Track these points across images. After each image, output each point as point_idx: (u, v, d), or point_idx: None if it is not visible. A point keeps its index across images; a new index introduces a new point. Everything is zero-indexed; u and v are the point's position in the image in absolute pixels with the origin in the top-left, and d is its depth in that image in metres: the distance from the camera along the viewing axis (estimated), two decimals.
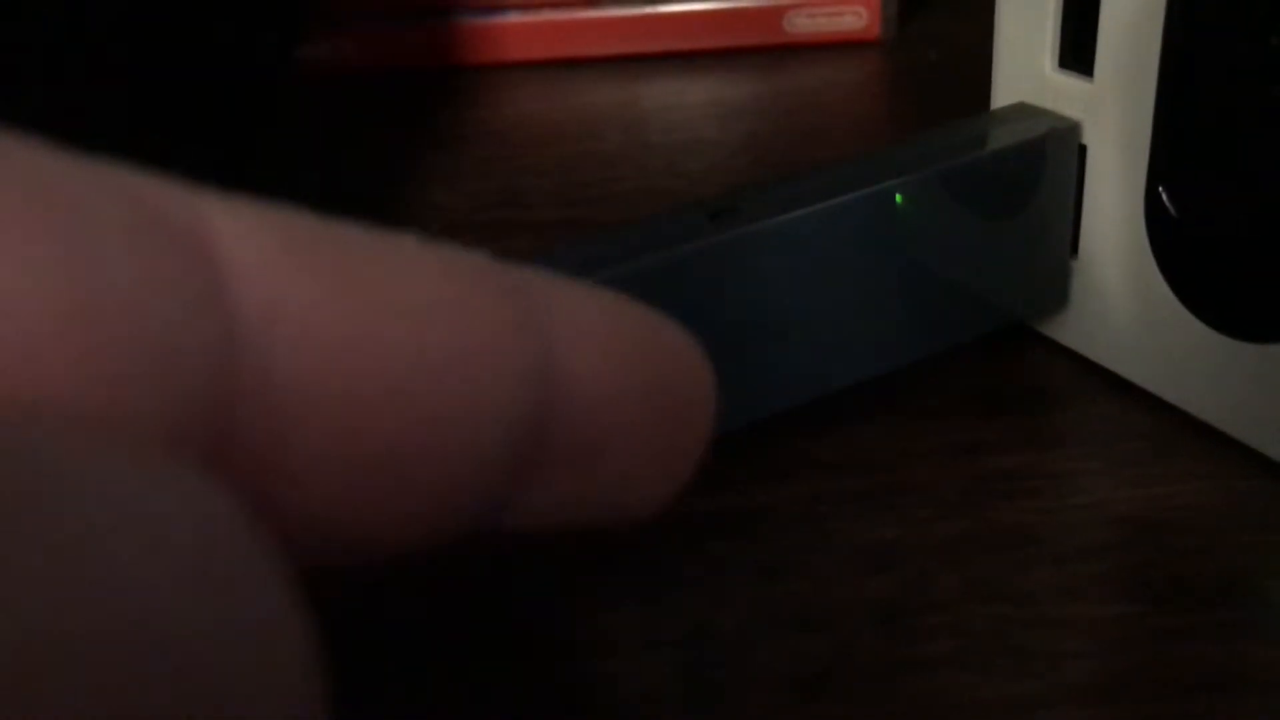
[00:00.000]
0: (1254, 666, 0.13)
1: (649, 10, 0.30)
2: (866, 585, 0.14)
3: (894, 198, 0.15)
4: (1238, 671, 0.13)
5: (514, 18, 0.30)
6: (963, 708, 0.12)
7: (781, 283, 0.15)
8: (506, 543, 0.12)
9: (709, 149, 0.25)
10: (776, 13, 0.30)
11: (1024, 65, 0.17)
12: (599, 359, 0.09)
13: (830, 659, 0.13)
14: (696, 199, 0.16)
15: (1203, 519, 0.15)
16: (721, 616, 0.14)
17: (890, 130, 0.27)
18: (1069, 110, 0.16)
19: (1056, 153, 0.16)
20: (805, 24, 0.30)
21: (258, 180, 0.24)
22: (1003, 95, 0.17)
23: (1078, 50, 0.16)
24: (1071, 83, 0.16)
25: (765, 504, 0.15)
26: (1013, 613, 0.13)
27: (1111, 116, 0.16)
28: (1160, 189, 0.15)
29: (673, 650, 0.13)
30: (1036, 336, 0.18)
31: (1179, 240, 0.15)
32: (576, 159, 0.25)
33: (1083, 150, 0.16)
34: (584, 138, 0.26)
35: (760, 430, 0.16)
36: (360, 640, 0.13)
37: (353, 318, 0.07)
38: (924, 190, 0.16)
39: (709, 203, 0.15)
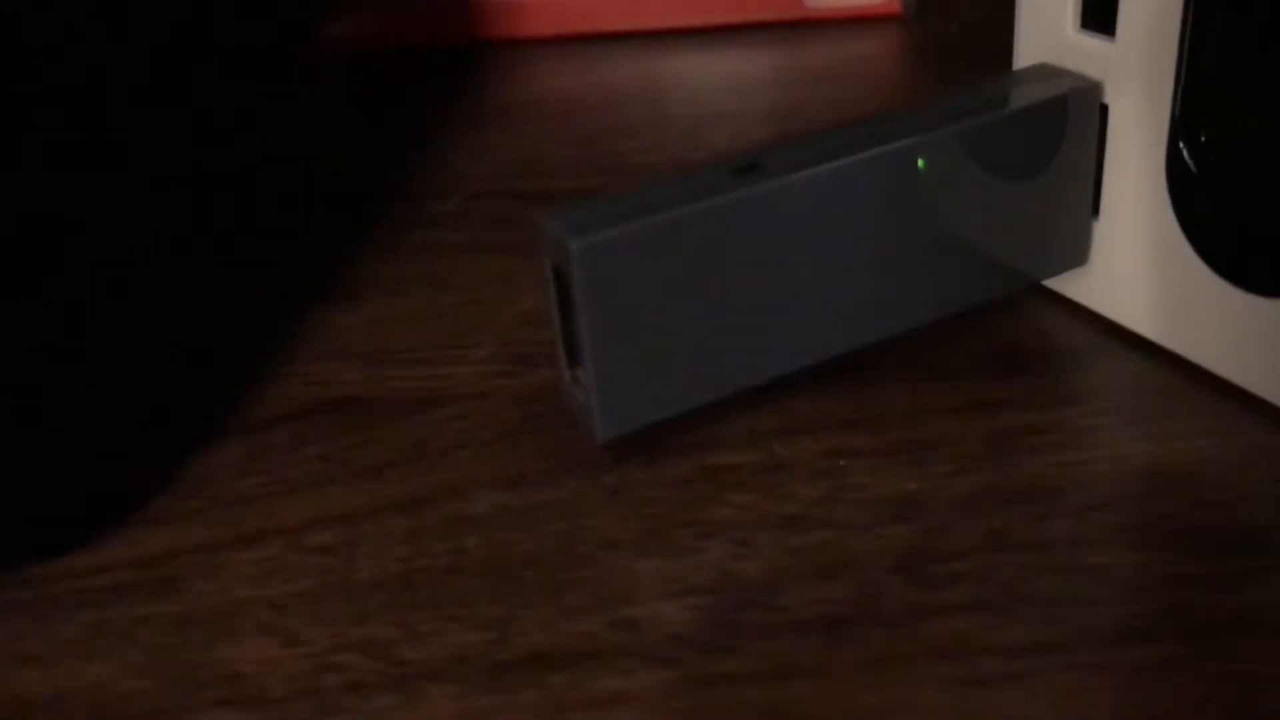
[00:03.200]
0: (1269, 611, 0.13)
1: None
2: (887, 535, 0.14)
3: (916, 156, 0.16)
4: (1253, 618, 0.13)
5: None
6: (982, 652, 0.13)
7: (805, 238, 0.15)
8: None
9: (729, 120, 0.26)
10: None
11: (1046, 26, 0.17)
12: None
13: (851, 605, 0.13)
14: (721, 156, 0.16)
15: (1219, 472, 0.15)
16: (745, 565, 0.14)
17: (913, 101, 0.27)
18: (1091, 70, 0.16)
19: (1078, 112, 0.16)
20: (826, 0, 0.30)
21: (291, 157, 0.24)
22: (1025, 56, 0.17)
23: (1099, 10, 0.16)
24: (1093, 43, 0.16)
25: (789, 458, 0.16)
26: (1032, 560, 0.14)
27: (1133, 76, 0.16)
28: (1182, 146, 0.15)
29: (698, 596, 0.14)
30: (1056, 297, 0.18)
31: (1200, 197, 0.15)
32: (596, 131, 0.26)
33: (1104, 110, 0.16)
34: (603, 110, 0.27)
35: (783, 385, 0.16)
36: None
37: None
38: (945, 148, 0.16)
39: (734, 158, 0.15)
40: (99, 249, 0.15)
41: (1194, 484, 0.15)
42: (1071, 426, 0.16)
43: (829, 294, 0.16)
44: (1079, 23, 0.16)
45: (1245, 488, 0.14)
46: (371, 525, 0.15)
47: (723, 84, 0.28)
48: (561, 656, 0.13)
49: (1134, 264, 0.17)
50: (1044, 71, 0.17)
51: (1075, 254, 0.17)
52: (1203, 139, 0.15)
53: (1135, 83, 0.16)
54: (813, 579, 0.14)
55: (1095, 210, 0.17)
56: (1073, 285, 0.18)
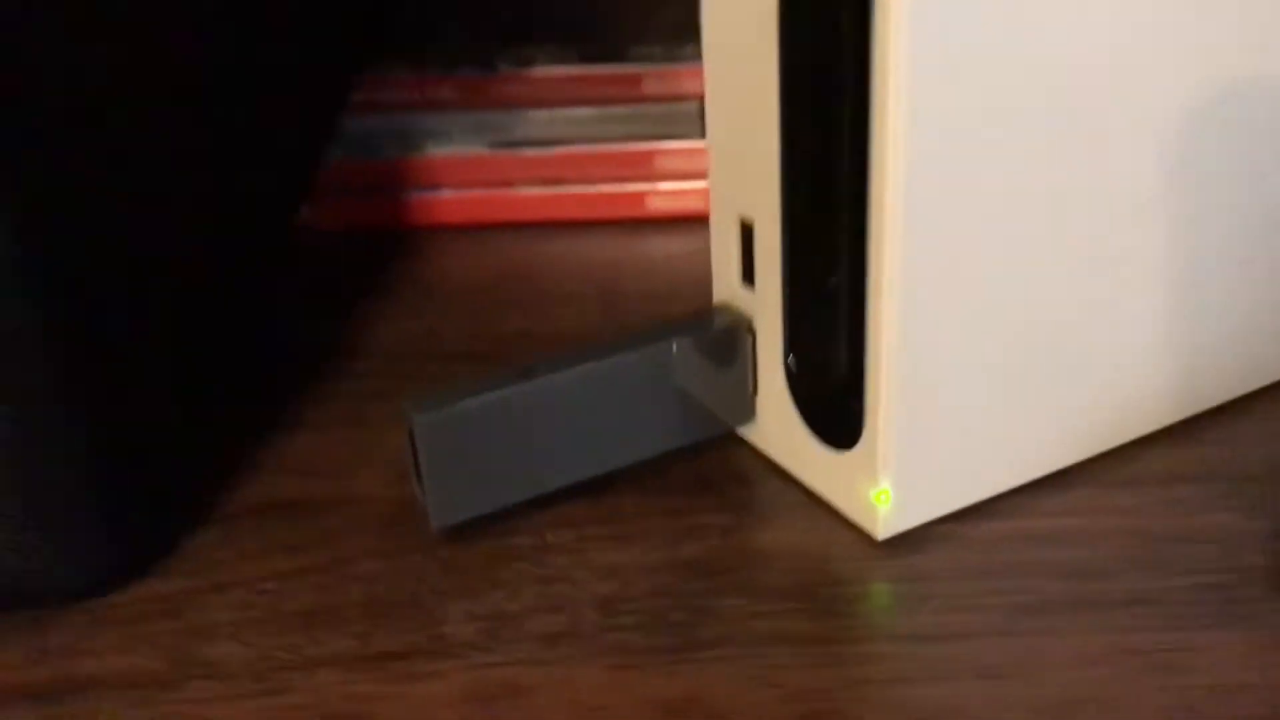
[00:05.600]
0: (796, 630, 0.23)
1: (546, 191, 0.41)
2: (598, 588, 0.24)
3: (652, 358, 0.26)
4: (804, 637, 0.23)
5: (446, 194, 0.41)
6: (635, 652, 0.23)
7: (571, 409, 0.25)
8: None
9: (577, 301, 0.36)
10: (640, 196, 0.41)
11: (725, 280, 0.27)
12: None
13: (565, 626, 0.23)
14: (521, 361, 0.26)
15: (801, 552, 0.25)
16: (511, 605, 0.24)
17: None
18: (747, 308, 0.27)
19: (740, 334, 0.27)
20: (661, 204, 0.41)
21: (254, 317, 0.36)
22: (718, 295, 0.28)
23: (749, 274, 0.27)
24: (746, 292, 0.27)
25: (553, 542, 0.26)
26: (675, 603, 0.24)
27: (765, 314, 0.26)
28: (790, 355, 0.26)
29: (482, 622, 0.23)
30: (737, 438, 0.28)
31: (799, 386, 0.26)
32: (481, 307, 0.36)
33: (754, 332, 0.27)
34: (488, 289, 0.37)
35: (559, 496, 0.26)
36: None
37: None
38: (665, 353, 0.26)
39: (524, 365, 0.25)
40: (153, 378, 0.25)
41: (784, 559, 0.25)
42: (726, 525, 0.26)
43: (591, 438, 0.26)
44: (741, 279, 0.27)
45: (812, 562, 0.25)
46: (295, 579, 0.25)
47: (576, 268, 0.38)
48: (400, 653, 0.23)
49: (775, 423, 0.27)
50: (726, 307, 0.27)
51: (747, 414, 0.28)
52: (797, 352, 0.26)
53: (766, 319, 0.26)
54: (547, 612, 0.24)
55: (755, 389, 0.27)
56: (747, 433, 0.28)
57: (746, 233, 0.26)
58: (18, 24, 0.21)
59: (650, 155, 0.40)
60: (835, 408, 0.25)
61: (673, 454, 0.27)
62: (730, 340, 0.27)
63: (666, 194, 0.41)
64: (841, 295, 0.24)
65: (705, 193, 0.41)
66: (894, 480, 0.24)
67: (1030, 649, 0.22)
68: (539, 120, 0.41)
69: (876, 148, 0.21)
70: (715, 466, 0.28)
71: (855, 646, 0.22)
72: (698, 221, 0.41)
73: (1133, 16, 0.23)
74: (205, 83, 0.29)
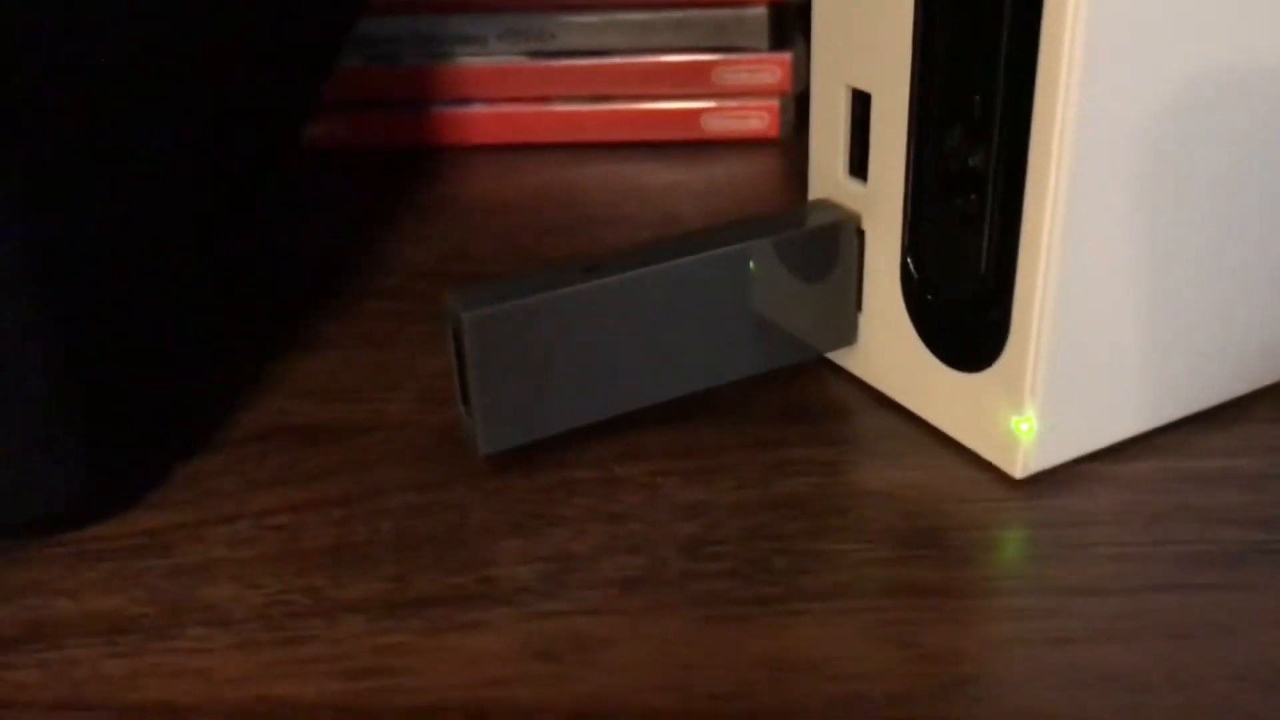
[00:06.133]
0: (929, 580, 0.19)
1: (589, 107, 0.36)
2: (679, 528, 0.20)
3: (736, 261, 0.22)
4: (935, 588, 0.19)
5: (477, 109, 0.37)
6: (726, 602, 0.18)
7: (640, 316, 0.21)
8: None
9: (626, 224, 0.32)
10: (695, 114, 0.36)
11: (826, 172, 0.23)
12: None
13: (645, 570, 0.19)
14: (580, 258, 0.22)
15: (923, 493, 0.21)
16: (578, 545, 0.20)
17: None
18: (854, 205, 0.23)
19: (845, 235, 0.22)
20: (719, 124, 0.37)
21: (272, 233, 0.31)
22: (815, 191, 0.24)
23: (858, 163, 0.22)
24: (854, 186, 0.22)
25: (621, 475, 0.21)
26: (775, 546, 0.20)
27: (879, 210, 0.22)
28: (908, 260, 0.22)
29: (541, 564, 0.19)
30: (835, 367, 0.24)
31: (919, 299, 0.22)
32: (518, 228, 0.32)
33: (862, 234, 0.22)
34: (526, 211, 0.33)
35: (624, 422, 0.22)
36: None
37: None
38: (759, 254, 0.22)
39: (586, 260, 0.21)
40: (146, 294, 0.21)
41: (902, 500, 0.20)
42: (826, 460, 0.22)
43: (662, 355, 0.22)
44: (848, 170, 0.23)
45: (937, 504, 0.20)
46: (314, 513, 0.21)
47: (627, 192, 0.34)
48: (440, 599, 0.19)
49: (883, 345, 0.23)
50: (825, 204, 0.23)
51: (846, 336, 0.23)
52: (919, 255, 0.21)
53: (880, 215, 0.22)
54: (622, 554, 0.19)
55: (859, 305, 0.23)
56: (844, 358, 0.24)
57: (861, 108, 0.22)
58: None
59: (709, 67, 0.36)
60: (970, 320, 0.21)
61: (755, 381, 0.23)
62: (832, 242, 0.22)
63: (726, 112, 0.36)
64: (989, 179, 0.19)
65: (770, 112, 0.36)
66: (1040, 407, 0.20)
67: (1219, 605, 0.18)
68: (583, 26, 0.36)
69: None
70: (808, 395, 0.24)
71: (1001, 600, 0.18)
72: (761, 146, 0.37)
73: None
74: None
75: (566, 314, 0.21)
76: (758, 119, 0.36)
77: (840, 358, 0.24)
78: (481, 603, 0.19)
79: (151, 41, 0.20)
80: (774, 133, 0.37)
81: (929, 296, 0.21)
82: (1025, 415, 0.20)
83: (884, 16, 0.20)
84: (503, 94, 0.37)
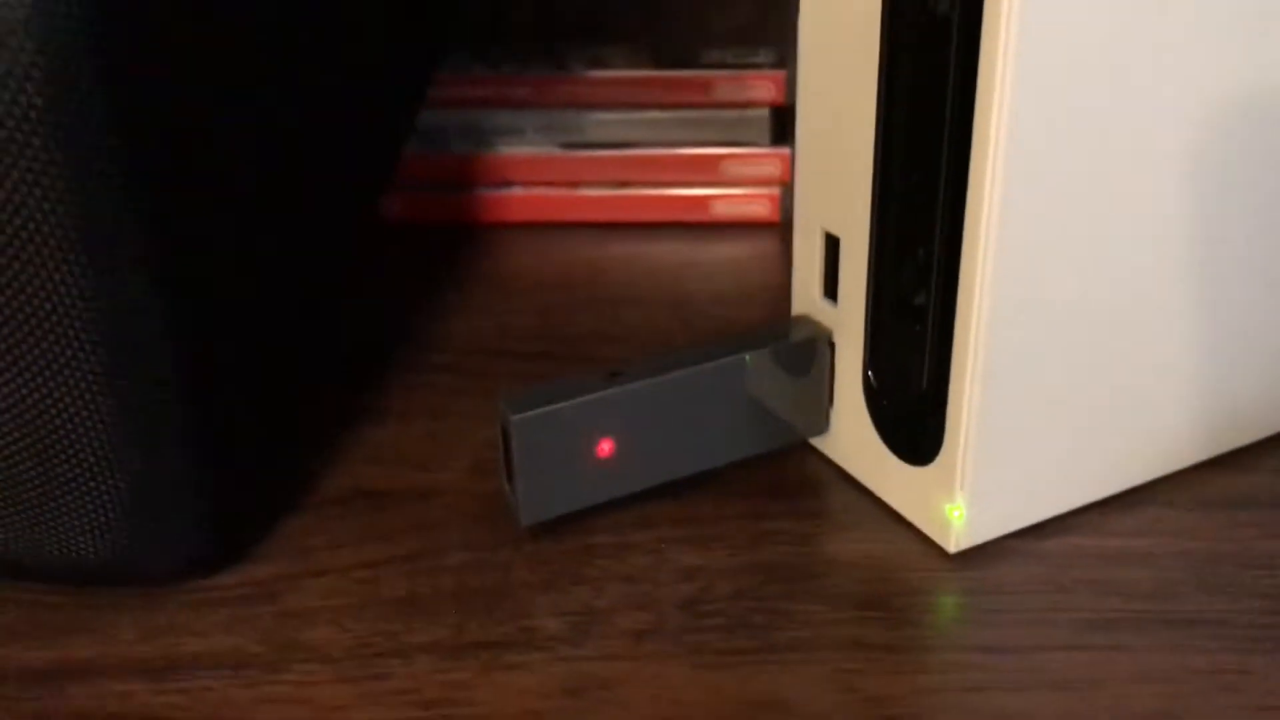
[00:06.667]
0: (877, 638, 0.24)
1: (613, 192, 0.42)
2: (680, 588, 0.25)
3: (732, 368, 0.27)
4: (880, 644, 0.24)
5: (516, 191, 0.42)
6: (714, 652, 0.23)
7: (655, 414, 0.26)
8: None
9: (643, 305, 0.37)
10: (705, 200, 0.41)
11: (805, 293, 0.28)
12: None
13: (651, 623, 0.24)
14: (592, 360, 0.27)
15: (877, 562, 0.26)
16: (598, 600, 0.25)
17: (782, 293, 0.38)
18: (827, 321, 0.28)
19: (820, 346, 0.28)
20: (725, 209, 0.42)
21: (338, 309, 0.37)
22: (797, 307, 0.29)
23: (831, 288, 0.27)
24: (828, 306, 0.27)
25: (633, 541, 0.27)
26: (756, 605, 0.25)
27: (847, 329, 0.27)
28: (869, 371, 0.27)
29: (569, 617, 0.24)
30: (810, 448, 0.29)
31: (878, 401, 0.27)
32: (551, 306, 0.37)
33: (833, 346, 0.28)
34: (558, 288, 0.38)
35: (641, 496, 0.27)
36: None
37: None
38: (744, 364, 0.27)
39: (610, 369, 0.26)
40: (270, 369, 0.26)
41: (861, 568, 0.26)
42: (804, 532, 0.27)
43: (671, 443, 0.27)
44: (823, 293, 0.28)
45: (888, 572, 0.25)
46: (389, 568, 0.26)
47: (644, 271, 0.39)
48: (490, 643, 0.24)
49: (849, 436, 0.28)
50: (805, 320, 0.28)
51: (820, 425, 0.28)
52: (877, 369, 0.26)
53: (847, 334, 0.27)
54: (634, 610, 0.25)
55: (831, 401, 0.28)
56: (820, 443, 0.29)
57: (832, 247, 0.27)
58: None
59: (717, 160, 0.41)
60: (914, 425, 0.26)
61: (747, 461, 0.28)
62: (809, 353, 0.27)
63: (732, 199, 0.41)
64: (929, 314, 0.24)
65: (771, 200, 0.41)
66: (969, 497, 0.25)
67: (1099, 663, 0.23)
68: (609, 122, 0.41)
69: (975, 172, 0.22)
70: (789, 474, 0.29)
71: (930, 655, 0.23)
72: (762, 229, 0.42)
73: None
74: (303, 79, 0.30)
75: (594, 415, 0.26)
76: (760, 205, 0.42)
77: (817, 442, 0.29)
78: (523, 649, 0.24)
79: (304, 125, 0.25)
80: (775, 217, 0.42)
81: (884, 401, 0.26)
82: (956, 503, 0.25)
83: (850, 178, 0.26)
84: (538, 179, 0.42)
